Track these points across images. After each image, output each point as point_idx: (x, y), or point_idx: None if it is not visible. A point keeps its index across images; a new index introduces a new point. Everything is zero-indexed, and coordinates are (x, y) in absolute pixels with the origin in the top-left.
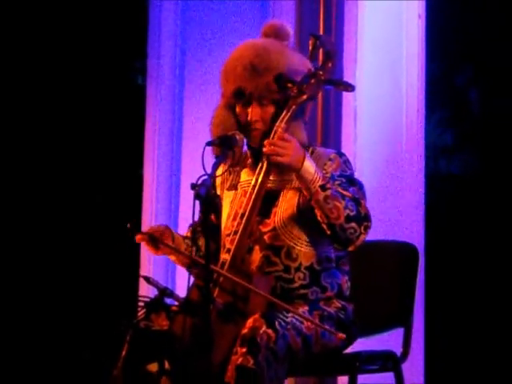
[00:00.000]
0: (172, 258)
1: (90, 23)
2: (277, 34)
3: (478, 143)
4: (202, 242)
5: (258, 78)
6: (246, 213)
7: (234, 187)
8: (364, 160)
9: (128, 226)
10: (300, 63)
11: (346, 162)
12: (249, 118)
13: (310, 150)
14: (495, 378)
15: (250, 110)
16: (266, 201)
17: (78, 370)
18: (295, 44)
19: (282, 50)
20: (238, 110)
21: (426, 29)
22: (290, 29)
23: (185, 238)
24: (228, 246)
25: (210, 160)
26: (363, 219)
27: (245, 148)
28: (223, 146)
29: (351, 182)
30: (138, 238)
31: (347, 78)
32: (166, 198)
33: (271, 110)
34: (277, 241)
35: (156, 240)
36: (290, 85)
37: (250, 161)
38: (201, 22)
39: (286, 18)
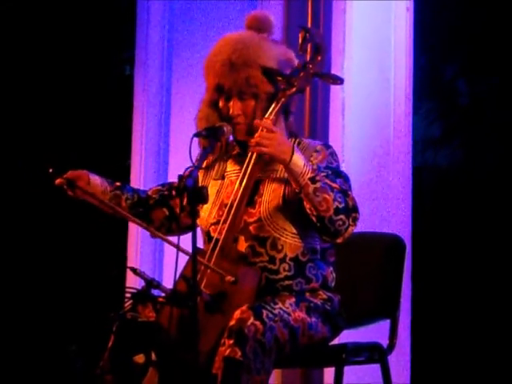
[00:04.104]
0: (95, 202)
1: (79, 14)
2: (259, 25)
3: (466, 135)
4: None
5: (236, 74)
6: (235, 203)
7: (220, 177)
8: (351, 152)
9: (50, 170)
10: (279, 54)
11: (333, 153)
12: (230, 112)
13: (297, 141)
14: (482, 369)
15: (231, 104)
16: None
17: (65, 362)
18: (283, 38)
19: (260, 43)
20: (220, 104)
21: (414, 21)
22: (272, 19)
23: (117, 188)
24: (213, 234)
25: (196, 151)
26: (351, 211)
27: (231, 138)
28: (210, 137)
29: (337, 174)
30: (56, 181)
31: (335, 69)
32: None
33: (252, 103)
34: (262, 232)
35: (73, 184)
36: (279, 78)
37: (236, 151)
38: (188, 12)
39: (274, 10)
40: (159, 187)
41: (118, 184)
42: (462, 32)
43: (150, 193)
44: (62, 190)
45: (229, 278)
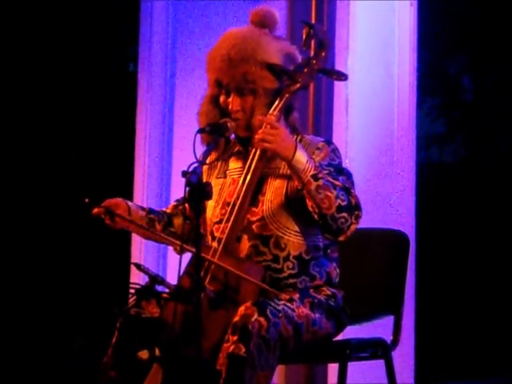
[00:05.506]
0: (132, 228)
1: (83, 11)
2: (262, 20)
3: (469, 131)
4: (179, 221)
5: (235, 69)
6: (238, 201)
7: (222, 175)
8: (355, 148)
9: (86, 200)
10: (280, 50)
11: (335, 150)
12: (229, 107)
13: (299, 137)
14: (486, 364)
15: (230, 99)
16: None
17: (69, 357)
18: (287, 35)
19: (260, 39)
20: (221, 99)
21: (418, 16)
22: (277, 14)
23: (149, 212)
24: (216, 233)
25: (200, 147)
26: (354, 209)
27: (232, 135)
28: (214, 133)
29: (339, 171)
30: (94, 211)
31: (339, 65)
32: (157, 185)
33: (250, 99)
34: (265, 230)
35: (111, 213)
36: (283, 74)
37: (237, 148)
38: (192, 8)
39: (278, 7)
40: (175, 203)
41: (147, 208)
42: (466, 28)
43: (169, 211)
44: (99, 219)
45: (284, 296)
